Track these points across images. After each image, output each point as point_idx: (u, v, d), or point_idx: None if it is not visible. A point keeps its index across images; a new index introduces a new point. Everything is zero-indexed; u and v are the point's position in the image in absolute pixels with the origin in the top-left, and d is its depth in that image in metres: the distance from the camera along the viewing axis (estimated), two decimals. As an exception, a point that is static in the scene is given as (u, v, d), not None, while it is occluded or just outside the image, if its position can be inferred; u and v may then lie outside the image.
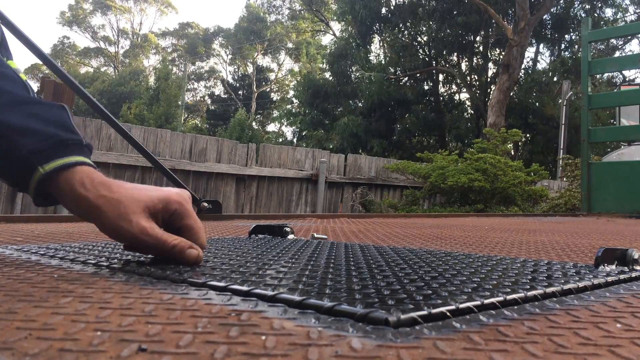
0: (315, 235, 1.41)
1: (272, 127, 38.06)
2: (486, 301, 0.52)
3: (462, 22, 19.28)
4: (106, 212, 0.72)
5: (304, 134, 23.50)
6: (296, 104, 26.14)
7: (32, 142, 0.73)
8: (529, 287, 0.61)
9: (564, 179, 10.02)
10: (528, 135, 20.66)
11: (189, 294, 0.56)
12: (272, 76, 39.88)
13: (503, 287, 0.60)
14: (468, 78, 22.72)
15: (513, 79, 16.98)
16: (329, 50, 24.81)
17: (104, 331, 0.41)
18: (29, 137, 0.73)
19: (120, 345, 0.38)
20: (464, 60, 23.00)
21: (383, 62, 22.50)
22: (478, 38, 22.07)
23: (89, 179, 0.73)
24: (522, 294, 0.56)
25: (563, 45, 22.20)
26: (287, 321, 0.45)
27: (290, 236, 1.38)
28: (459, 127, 21.08)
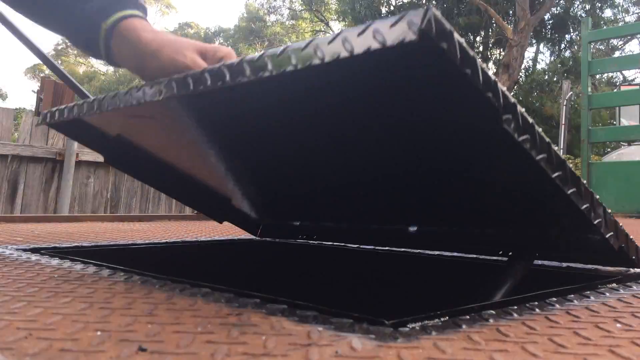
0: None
1: (272, 127, 37.91)
2: (486, 301, 0.52)
3: (462, 22, 19.26)
4: (166, 48, 0.79)
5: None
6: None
7: (94, 4, 0.82)
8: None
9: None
10: (528, 135, 20.56)
11: (189, 294, 0.56)
12: (272, 76, 39.66)
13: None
14: (468, 78, 22.60)
15: (513, 79, 16.97)
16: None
17: (104, 331, 0.41)
18: (90, 1, 0.83)
19: (120, 345, 0.38)
20: (464, 61, 22.90)
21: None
22: (478, 38, 22.06)
23: (148, 26, 0.83)
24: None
25: (563, 45, 22.20)
26: (287, 321, 0.45)
27: (290, 236, 1.37)
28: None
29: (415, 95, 0.60)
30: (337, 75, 0.56)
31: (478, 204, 0.85)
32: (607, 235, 0.67)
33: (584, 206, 0.63)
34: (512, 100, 0.54)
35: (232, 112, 0.84)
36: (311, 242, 1.26)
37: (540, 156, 0.57)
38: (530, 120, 0.57)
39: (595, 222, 0.65)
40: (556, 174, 0.59)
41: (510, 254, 0.83)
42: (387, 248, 1.14)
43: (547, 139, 0.58)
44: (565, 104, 7.48)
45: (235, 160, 1.10)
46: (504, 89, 0.53)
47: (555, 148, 0.59)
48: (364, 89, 0.60)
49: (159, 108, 0.83)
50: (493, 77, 0.51)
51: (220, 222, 1.29)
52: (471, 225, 0.92)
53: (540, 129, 0.58)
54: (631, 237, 0.71)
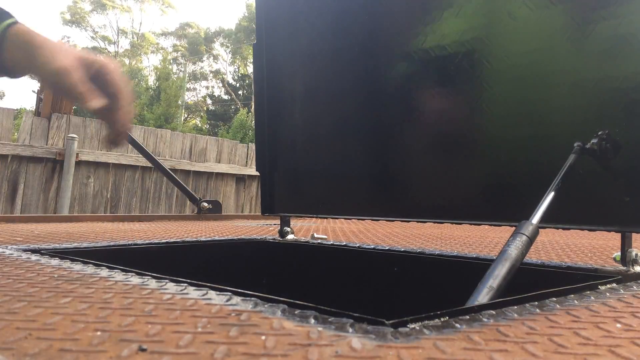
0: (315, 235, 1.41)
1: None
2: (486, 301, 0.52)
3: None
4: (53, 50, 0.82)
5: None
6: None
7: None
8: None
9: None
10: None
11: (189, 294, 0.56)
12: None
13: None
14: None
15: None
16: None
17: (104, 331, 0.41)
18: None
19: (120, 345, 0.38)
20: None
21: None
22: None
23: (32, 29, 0.85)
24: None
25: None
26: (287, 321, 0.45)
27: (290, 236, 1.38)
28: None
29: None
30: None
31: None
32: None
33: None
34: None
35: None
36: (311, 242, 1.27)
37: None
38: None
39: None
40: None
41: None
42: (387, 247, 1.14)
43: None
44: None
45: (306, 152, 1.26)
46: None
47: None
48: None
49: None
50: None
51: (257, 170, 1.44)
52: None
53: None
54: None
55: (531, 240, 0.74)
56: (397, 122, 1.09)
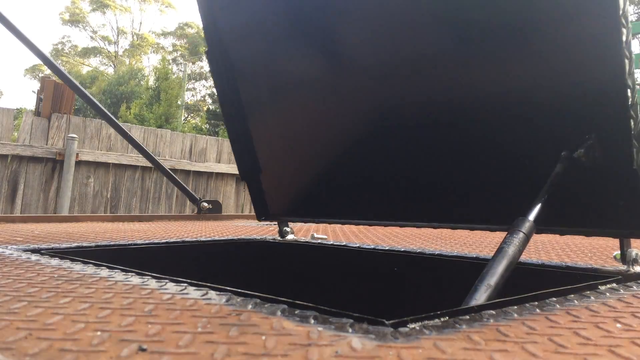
0: (315, 235, 1.41)
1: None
2: (486, 301, 0.52)
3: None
4: None
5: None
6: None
7: None
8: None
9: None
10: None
11: (189, 294, 0.56)
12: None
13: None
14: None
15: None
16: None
17: (104, 331, 0.41)
18: None
19: (120, 345, 0.38)
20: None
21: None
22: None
23: None
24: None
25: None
26: (287, 321, 0.45)
27: (290, 236, 1.38)
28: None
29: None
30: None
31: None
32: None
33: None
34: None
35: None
36: (311, 242, 1.26)
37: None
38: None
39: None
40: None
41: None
42: (387, 247, 1.14)
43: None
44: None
45: (299, 152, 1.19)
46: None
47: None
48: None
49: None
50: None
51: (242, 179, 1.39)
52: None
53: None
54: None
55: (528, 237, 0.74)
56: (373, 123, 1.07)
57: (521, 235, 0.73)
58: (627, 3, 0.65)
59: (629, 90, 0.69)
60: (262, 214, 1.37)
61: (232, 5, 1.25)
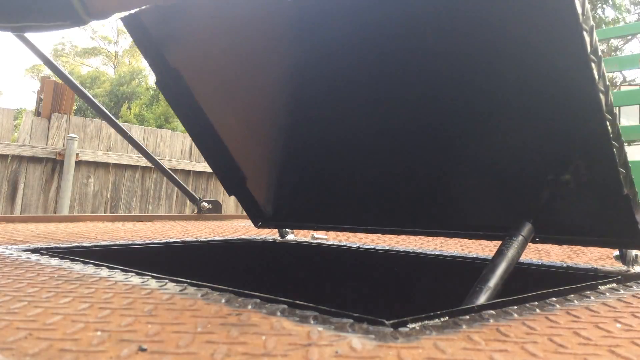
0: (315, 235, 1.41)
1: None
2: (486, 301, 0.52)
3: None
4: None
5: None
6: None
7: None
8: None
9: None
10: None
11: (189, 294, 0.56)
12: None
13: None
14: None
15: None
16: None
17: (104, 331, 0.41)
18: None
19: (120, 345, 0.38)
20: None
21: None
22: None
23: None
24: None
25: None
26: (287, 321, 0.45)
27: (290, 236, 1.38)
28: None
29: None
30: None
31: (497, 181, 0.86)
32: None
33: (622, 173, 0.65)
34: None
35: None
36: (311, 242, 1.26)
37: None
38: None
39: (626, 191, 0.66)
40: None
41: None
42: (387, 248, 1.14)
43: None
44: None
45: (272, 150, 1.14)
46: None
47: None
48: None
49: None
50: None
51: (229, 195, 1.32)
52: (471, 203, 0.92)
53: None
54: None
55: (527, 240, 0.74)
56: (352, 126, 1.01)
57: (520, 238, 0.73)
58: (595, 38, 0.64)
59: (608, 123, 0.68)
60: (257, 222, 1.33)
61: (170, 29, 1.12)
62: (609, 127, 0.68)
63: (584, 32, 0.63)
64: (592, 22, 0.64)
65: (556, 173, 0.77)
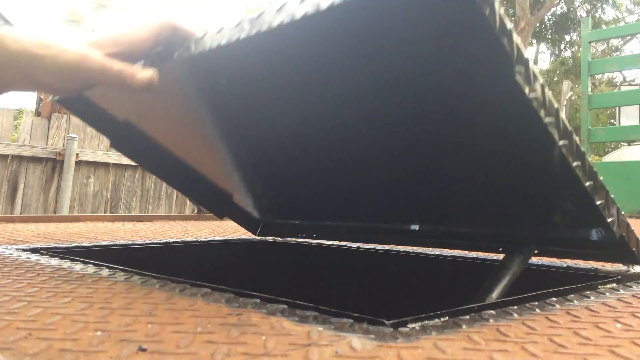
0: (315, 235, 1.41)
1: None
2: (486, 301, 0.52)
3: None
4: (50, 52, 0.65)
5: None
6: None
7: None
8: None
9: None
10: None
11: (189, 294, 0.56)
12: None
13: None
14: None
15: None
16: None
17: (104, 331, 0.41)
18: None
19: (120, 345, 0.38)
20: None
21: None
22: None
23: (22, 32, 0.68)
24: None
25: (563, 46, 22.18)
26: (287, 321, 0.45)
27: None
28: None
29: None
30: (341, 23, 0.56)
31: (482, 197, 0.85)
32: (609, 220, 0.67)
33: (587, 183, 0.63)
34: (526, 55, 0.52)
35: (240, 102, 0.83)
36: (311, 242, 1.26)
37: (548, 119, 0.56)
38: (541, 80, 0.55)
39: (598, 203, 0.65)
40: (562, 142, 0.58)
41: (501, 249, 0.84)
42: (387, 248, 1.14)
43: (556, 104, 0.57)
44: (565, 104, 7.50)
45: (240, 156, 1.10)
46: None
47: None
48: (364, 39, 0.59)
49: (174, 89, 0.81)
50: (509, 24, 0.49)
51: (220, 218, 1.29)
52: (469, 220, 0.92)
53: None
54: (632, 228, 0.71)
55: (529, 255, 0.75)
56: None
57: (523, 251, 0.74)
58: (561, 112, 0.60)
59: (582, 181, 0.64)
60: (253, 231, 1.30)
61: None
62: (583, 181, 0.64)
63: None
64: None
65: (557, 197, 0.75)
